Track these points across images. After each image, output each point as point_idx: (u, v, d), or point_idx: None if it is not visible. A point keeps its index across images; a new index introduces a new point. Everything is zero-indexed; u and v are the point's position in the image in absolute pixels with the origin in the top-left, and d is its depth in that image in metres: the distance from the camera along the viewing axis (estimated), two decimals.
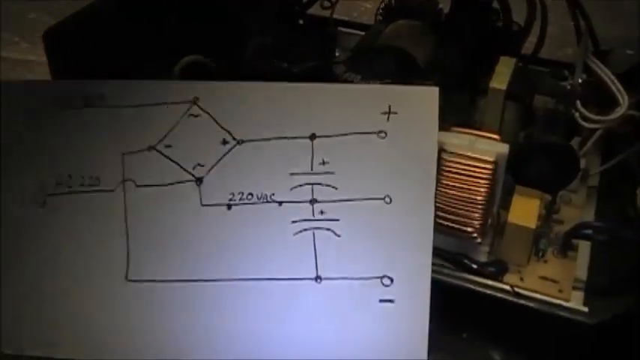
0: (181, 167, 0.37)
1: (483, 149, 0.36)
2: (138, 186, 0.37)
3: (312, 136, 0.36)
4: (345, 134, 0.36)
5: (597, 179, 0.46)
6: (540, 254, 0.40)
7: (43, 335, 0.37)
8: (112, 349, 0.36)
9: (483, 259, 0.39)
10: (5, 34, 0.65)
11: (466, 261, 0.38)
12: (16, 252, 0.37)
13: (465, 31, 0.50)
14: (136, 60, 0.44)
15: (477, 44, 0.50)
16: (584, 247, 0.40)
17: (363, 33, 0.55)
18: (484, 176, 0.36)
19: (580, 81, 0.40)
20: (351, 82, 0.38)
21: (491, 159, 0.36)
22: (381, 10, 0.53)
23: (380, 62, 0.40)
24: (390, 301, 0.36)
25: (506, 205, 0.40)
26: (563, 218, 0.42)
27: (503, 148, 0.37)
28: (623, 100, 0.41)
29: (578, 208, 0.43)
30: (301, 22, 0.57)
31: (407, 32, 0.48)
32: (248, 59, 0.41)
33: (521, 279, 0.38)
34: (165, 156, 0.37)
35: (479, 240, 0.37)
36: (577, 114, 0.40)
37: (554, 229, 0.41)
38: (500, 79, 0.41)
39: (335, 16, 0.55)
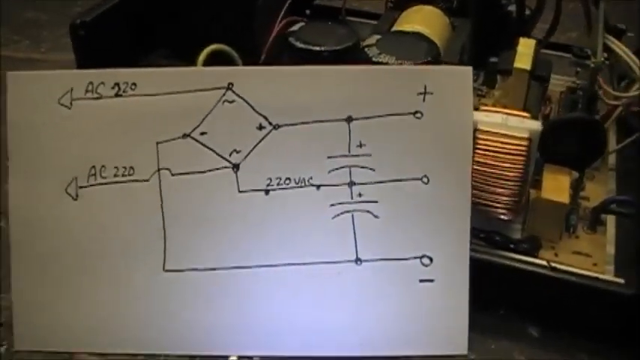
0: (217, 154, 0.36)
1: (517, 127, 0.37)
2: (173, 174, 0.37)
3: (349, 119, 0.36)
4: (382, 116, 0.36)
5: (615, 157, 0.47)
6: (571, 230, 0.40)
7: (77, 330, 0.37)
8: (150, 341, 0.36)
9: (517, 236, 0.39)
10: (4, 33, 0.64)
11: (500, 238, 0.39)
12: (49, 248, 0.37)
13: (477, 15, 0.51)
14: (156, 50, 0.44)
15: (489, 28, 0.51)
16: (612, 222, 0.41)
17: (371, 22, 0.55)
18: (519, 153, 0.36)
19: (602, 59, 0.41)
20: (386, 63, 0.38)
21: (525, 135, 0.37)
22: None
23: (408, 45, 0.40)
24: (430, 280, 0.36)
25: (533, 184, 0.40)
26: (588, 195, 0.43)
27: (536, 125, 0.37)
28: None
29: (601, 185, 0.44)
30: (308, 12, 0.57)
31: (421, 18, 0.48)
32: (274, 44, 0.41)
33: (556, 254, 0.39)
34: (201, 143, 0.36)
35: (513, 217, 0.38)
36: (601, 91, 0.41)
37: (581, 205, 0.42)
38: (524, 59, 0.41)
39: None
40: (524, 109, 0.42)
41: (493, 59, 0.47)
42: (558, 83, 0.51)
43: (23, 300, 0.37)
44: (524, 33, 0.49)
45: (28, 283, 0.37)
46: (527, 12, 0.51)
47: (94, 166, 0.37)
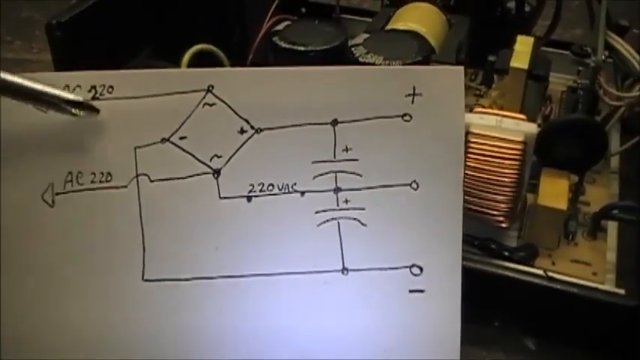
0: (197, 159, 0.35)
1: (511, 129, 0.35)
2: (152, 180, 0.35)
3: (334, 122, 0.34)
4: (369, 119, 0.34)
5: (617, 160, 0.45)
6: (570, 237, 0.39)
7: (51, 341, 0.35)
8: (128, 354, 0.35)
9: (513, 244, 0.37)
10: None
11: (495, 246, 0.37)
12: (24, 255, 0.35)
13: (476, 12, 0.49)
14: (141, 51, 0.42)
15: (488, 26, 0.49)
16: (614, 229, 0.39)
17: (366, 19, 0.54)
18: (513, 157, 0.35)
19: (603, 57, 0.39)
20: (373, 64, 0.37)
21: (520, 139, 0.35)
22: None
23: (398, 44, 0.39)
24: (420, 291, 0.34)
25: (531, 189, 0.39)
26: (588, 200, 0.41)
27: (532, 128, 0.35)
28: None
29: (602, 189, 0.42)
30: (303, 10, 0.56)
31: (417, 16, 0.46)
32: (262, 44, 0.40)
33: (553, 263, 0.37)
34: (181, 148, 0.35)
35: (508, 224, 0.36)
36: (601, 91, 0.39)
37: (581, 210, 0.40)
38: (521, 58, 0.40)
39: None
40: (522, 110, 0.40)
41: (492, 58, 0.45)
42: (560, 82, 0.49)
43: (6, 309, 0.35)
44: (525, 30, 0.47)
45: (9, 293, 0.36)
46: (528, 9, 0.49)
47: (70, 172, 0.35)
